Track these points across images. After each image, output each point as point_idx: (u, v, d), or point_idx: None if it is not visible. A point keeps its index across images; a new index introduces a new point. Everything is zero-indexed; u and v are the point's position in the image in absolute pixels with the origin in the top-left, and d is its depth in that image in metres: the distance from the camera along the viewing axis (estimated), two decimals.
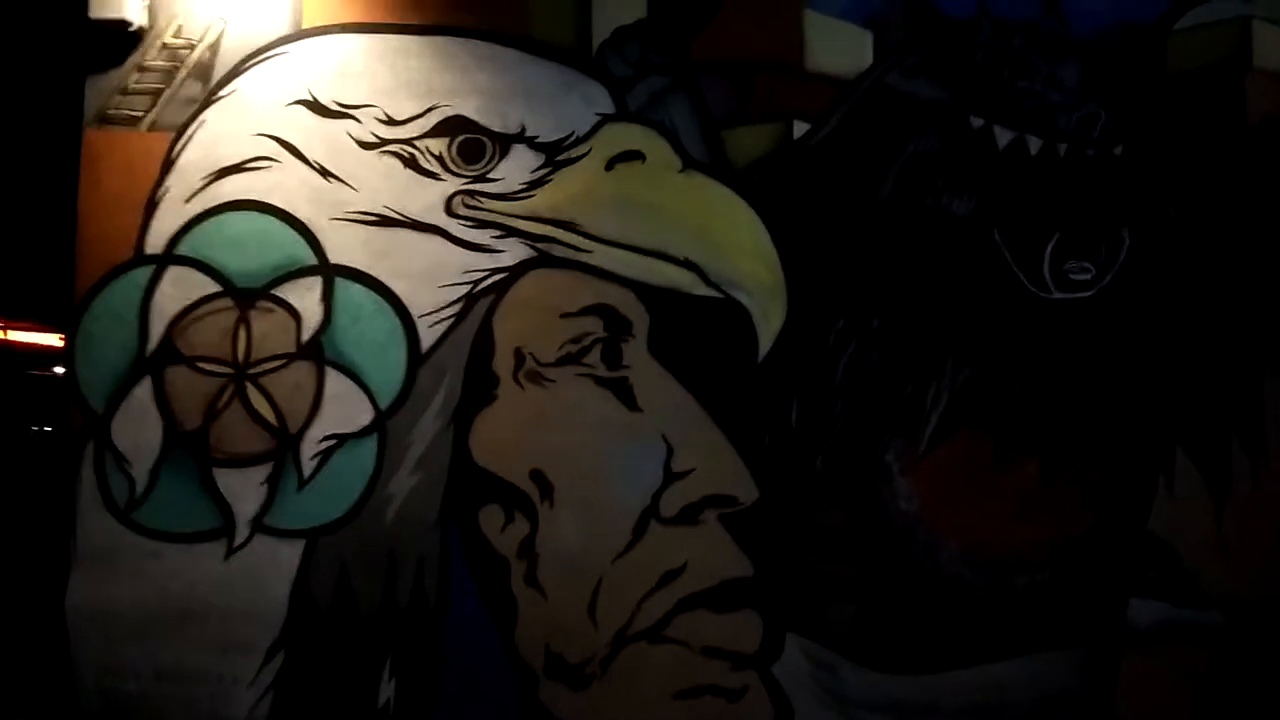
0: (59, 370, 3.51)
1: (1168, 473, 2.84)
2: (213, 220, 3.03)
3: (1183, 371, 2.88)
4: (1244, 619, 2.79)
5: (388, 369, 2.96)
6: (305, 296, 3.00)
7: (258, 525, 2.95)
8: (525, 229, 2.99)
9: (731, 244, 2.95)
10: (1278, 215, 2.89)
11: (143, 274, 3.03)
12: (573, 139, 3.00)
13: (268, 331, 3.00)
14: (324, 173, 3.04)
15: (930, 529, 2.85)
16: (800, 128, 3.00)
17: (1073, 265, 2.87)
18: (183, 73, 3.08)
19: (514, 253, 2.99)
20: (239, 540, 2.95)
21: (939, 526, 2.84)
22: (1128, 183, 2.89)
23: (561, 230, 2.99)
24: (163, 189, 3.05)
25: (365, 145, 3.04)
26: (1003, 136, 2.90)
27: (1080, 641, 2.83)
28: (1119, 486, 2.85)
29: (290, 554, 2.94)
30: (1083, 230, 2.88)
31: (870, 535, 2.86)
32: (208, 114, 3.06)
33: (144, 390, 2.99)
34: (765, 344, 2.92)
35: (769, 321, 2.92)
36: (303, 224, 3.02)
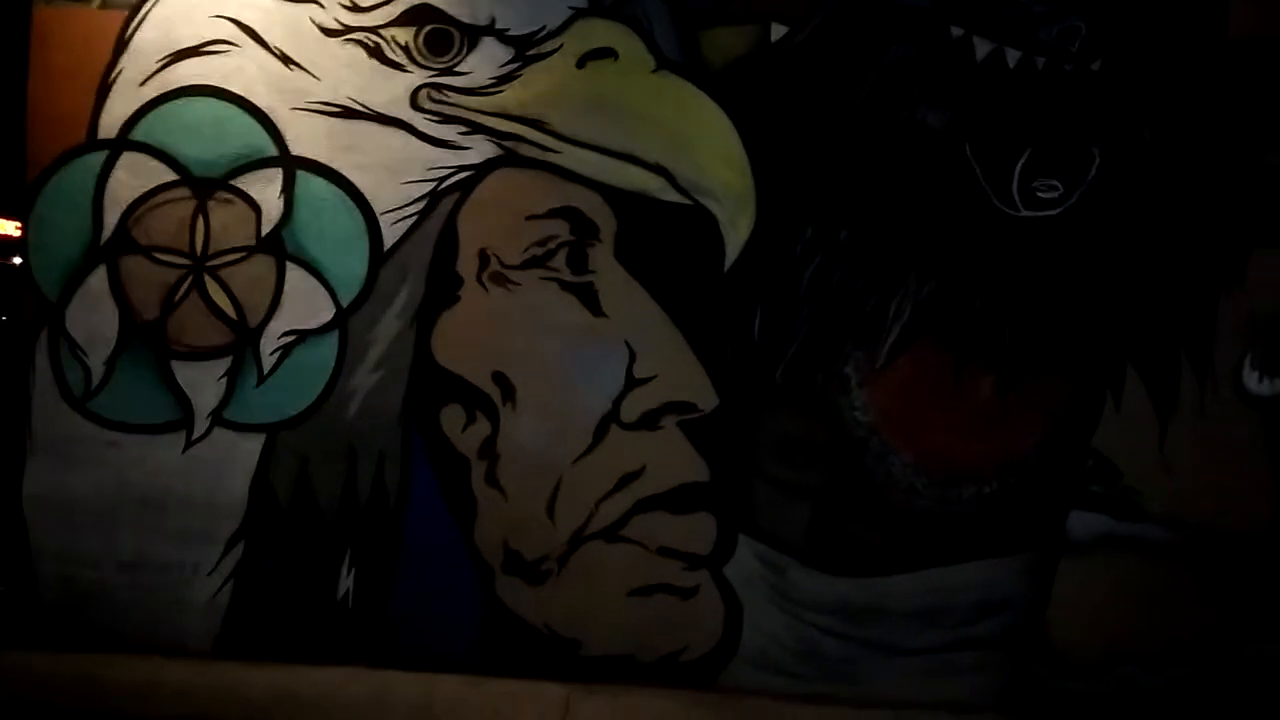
0: (16, 261, 3.42)
1: (1116, 391, 2.90)
2: (169, 105, 2.93)
3: (1139, 291, 2.90)
4: (1183, 536, 2.88)
5: (349, 265, 2.92)
6: (265, 188, 2.93)
7: (217, 419, 2.94)
8: (493, 125, 2.91)
9: (702, 150, 2.89)
10: (1249, 138, 2.88)
11: (96, 159, 2.94)
12: (544, 33, 2.90)
13: (227, 223, 2.93)
14: (285, 60, 2.93)
15: (884, 440, 2.89)
16: (779, 30, 2.91)
17: (1041, 183, 2.86)
18: None
19: (480, 150, 2.92)
20: (198, 433, 2.94)
21: (893, 438, 2.89)
22: (1103, 100, 2.86)
23: (530, 129, 2.91)
24: (116, 70, 2.94)
25: (328, 32, 2.93)
26: (981, 48, 2.83)
27: (1022, 550, 2.92)
28: (1069, 403, 2.90)
29: (250, 447, 2.94)
30: (1054, 147, 2.85)
31: (825, 444, 2.90)
32: None
33: (99, 279, 2.94)
34: (732, 253, 2.89)
35: (736, 230, 2.89)
36: (263, 113, 2.93)
